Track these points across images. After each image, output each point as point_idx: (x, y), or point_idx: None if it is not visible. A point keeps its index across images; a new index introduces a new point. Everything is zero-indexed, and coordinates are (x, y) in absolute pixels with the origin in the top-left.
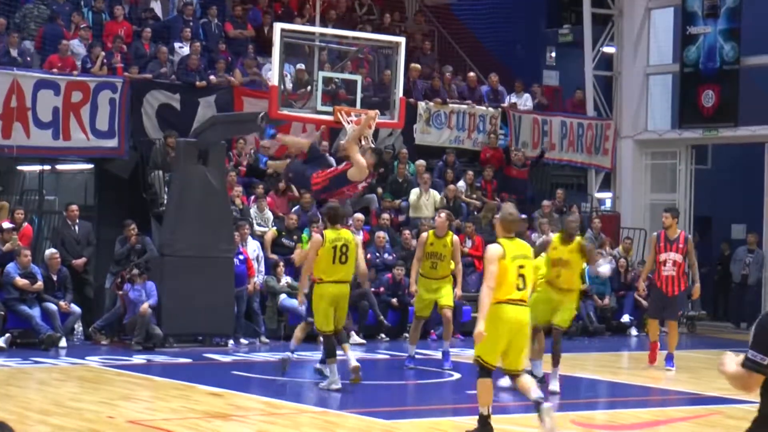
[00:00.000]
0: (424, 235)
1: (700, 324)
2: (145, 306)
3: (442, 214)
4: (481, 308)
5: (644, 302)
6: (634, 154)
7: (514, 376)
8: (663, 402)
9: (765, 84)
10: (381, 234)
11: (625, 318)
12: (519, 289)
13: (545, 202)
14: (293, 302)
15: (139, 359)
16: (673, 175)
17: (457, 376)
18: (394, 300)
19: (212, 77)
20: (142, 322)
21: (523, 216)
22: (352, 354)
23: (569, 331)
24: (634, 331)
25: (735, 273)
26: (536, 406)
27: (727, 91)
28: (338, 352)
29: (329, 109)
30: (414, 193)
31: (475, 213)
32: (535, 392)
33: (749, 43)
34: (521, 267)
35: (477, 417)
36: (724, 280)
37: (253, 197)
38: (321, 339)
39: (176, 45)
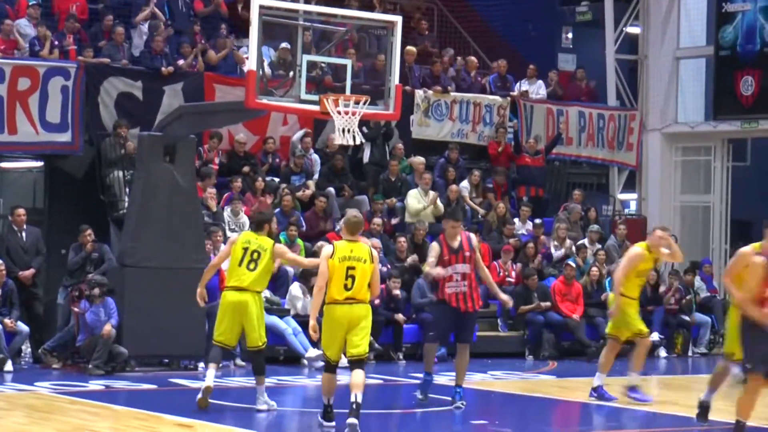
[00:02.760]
0: (638, 251)
1: None
2: (107, 328)
3: (659, 231)
4: (311, 306)
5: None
6: (663, 149)
7: (354, 363)
8: None
9: None
10: (375, 242)
11: (654, 336)
12: (347, 289)
13: (575, 207)
14: (272, 319)
15: (96, 385)
16: (708, 173)
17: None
18: (399, 316)
19: (179, 62)
20: (104, 344)
21: (537, 221)
22: (211, 374)
23: (588, 352)
24: (663, 352)
25: None
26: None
27: None
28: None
29: (314, 98)
30: (412, 195)
31: (480, 217)
32: (356, 393)
33: None
34: (351, 269)
35: None
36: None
37: (226, 199)
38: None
39: (138, 25)
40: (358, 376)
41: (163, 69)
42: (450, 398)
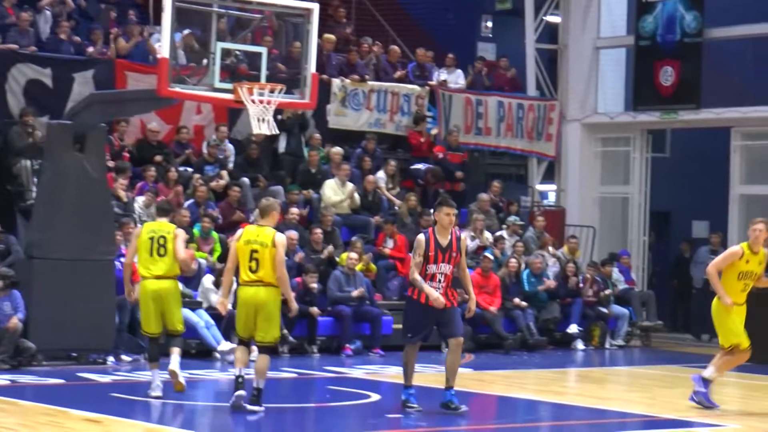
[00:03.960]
0: (734, 249)
1: (656, 336)
2: (14, 321)
3: (760, 225)
4: (222, 286)
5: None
6: (582, 140)
7: (260, 348)
8: (614, 426)
9: (730, 59)
10: (292, 234)
11: (572, 328)
12: (252, 272)
13: (483, 196)
14: (185, 313)
15: (2, 380)
16: (627, 164)
17: (376, 397)
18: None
19: (90, 49)
20: (10, 338)
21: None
22: (176, 359)
23: (505, 345)
24: (580, 344)
25: (696, 278)
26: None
27: (689, 68)
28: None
29: (229, 86)
30: (329, 186)
31: (396, 209)
32: (259, 381)
33: (714, 13)
34: (254, 252)
35: None
36: (684, 285)
37: (138, 189)
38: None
39: (46, 9)
40: (262, 362)
41: (72, 56)
42: (444, 404)
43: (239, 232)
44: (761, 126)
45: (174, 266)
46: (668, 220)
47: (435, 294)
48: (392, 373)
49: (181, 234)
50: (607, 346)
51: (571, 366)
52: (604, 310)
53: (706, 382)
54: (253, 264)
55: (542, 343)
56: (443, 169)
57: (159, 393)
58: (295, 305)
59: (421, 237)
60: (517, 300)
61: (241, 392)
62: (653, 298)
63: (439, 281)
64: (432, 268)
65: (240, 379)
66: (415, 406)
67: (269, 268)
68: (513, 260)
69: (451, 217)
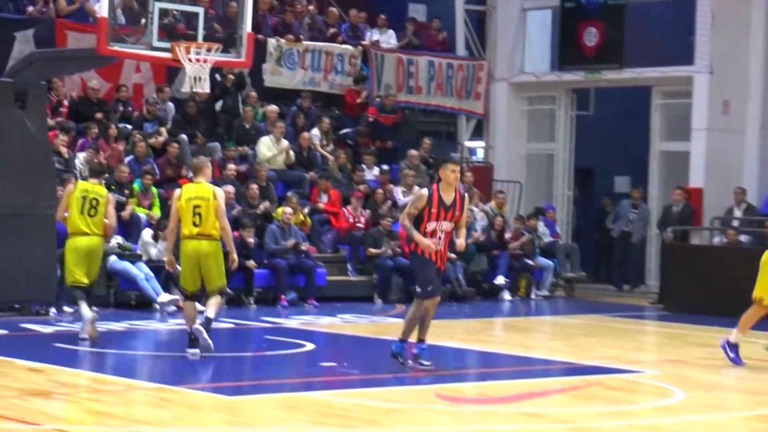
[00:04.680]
0: None
1: (579, 286)
2: None
3: None
4: (165, 246)
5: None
6: (509, 98)
7: (208, 296)
8: (538, 372)
9: (652, 21)
10: (229, 188)
11: (500, 280)
12: (195, 225)
13: (412, 152)
14: (124, 265)
15: None
16: (552, 122)
17: (310, 346)
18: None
19: (29, 8)
20: None
21: (384, 167)
22: (85, 307)
23: None
24: (507, 295)
25: (617, 230)
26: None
27: (612, 29)
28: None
29: (166, 45)
30: (263, 142)
31: (330, 165)
32: (210, 309)
33: None
34: (197, 207)
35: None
36: (606, 238)
37: (80, 146)
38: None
39: None
40: (213, 300)
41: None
42: (411, 356)
43: (178, 191)
44: (680, 85)
45: (101, 227)
46: (591, 175)
47: (426, 241)
48: (326, 323)
49: (112, 199)
50: (532, 296)
51: (498, 316)
52: (530, 261)
53: (732, 346)
54: (197, 218)
55: (470, 294)
56: (375, 129)
57: (86, 336)
58: (235, 256)
59: (423, 191)
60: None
61: (196, 350)
62: (577, 251)
63: (439, 238)
64: (432, 225)
65: (193, 336)
66: (408, 361)
67: (211, 221)
68: None
69: (456, 173)
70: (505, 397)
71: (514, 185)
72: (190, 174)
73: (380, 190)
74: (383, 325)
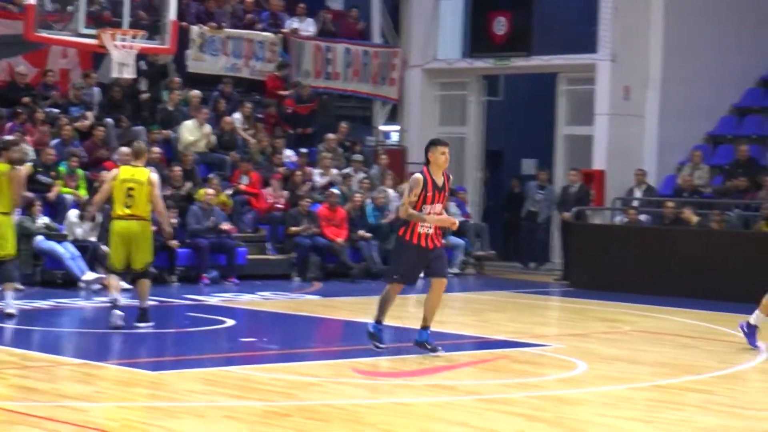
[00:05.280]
0: None
1: (488, 264)
2: None
3: None
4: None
5: None
6: (423, 84)
7: (138, 274)
8: (449, 347)
9: (558, 11)
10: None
11: None
12: (127, 207)
13: (330, 136)
14: (51, 244)
15: None
16: (463, 107)
17: (231, 322)
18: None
19: None
20: None
21: (303, 150)
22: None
23: (351, 274)
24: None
25: (525, 210)
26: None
27: (520, 19)
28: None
29: (93, 32)
30: (186, 126)
31: (250, 148)
32: (143, 302)
33: None
34: (130, 189)
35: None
36: (514, 218)
37: (8, 130)
38: None
39: None
40: (143, 286)
41: None
42: (420, 343)
43: (114, 171)
44: (584, 72)
45: (6, 202)
46: (500, 158)
47: (438, 218)
48: (246, 300)
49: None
50: None
51: (411, 292)
52: (442, 240)
53: (751, 328)
54: (129, 200)
55: (385, 272)
56: (294, 119)
57: (12, 311)
58: (171, 232)
59: (419, 176)
60: (362, 232)
61: (118, 312)
62: (486, 230)
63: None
64: (427, 209)
65: (115, 301)
66: (382, 346)
67: (142, 204)
68: (358, 195)
69: (446, 155)
70: (419, 371)
71: None
72: (115, 156)
73: (299, 172)
74: (301, 302)
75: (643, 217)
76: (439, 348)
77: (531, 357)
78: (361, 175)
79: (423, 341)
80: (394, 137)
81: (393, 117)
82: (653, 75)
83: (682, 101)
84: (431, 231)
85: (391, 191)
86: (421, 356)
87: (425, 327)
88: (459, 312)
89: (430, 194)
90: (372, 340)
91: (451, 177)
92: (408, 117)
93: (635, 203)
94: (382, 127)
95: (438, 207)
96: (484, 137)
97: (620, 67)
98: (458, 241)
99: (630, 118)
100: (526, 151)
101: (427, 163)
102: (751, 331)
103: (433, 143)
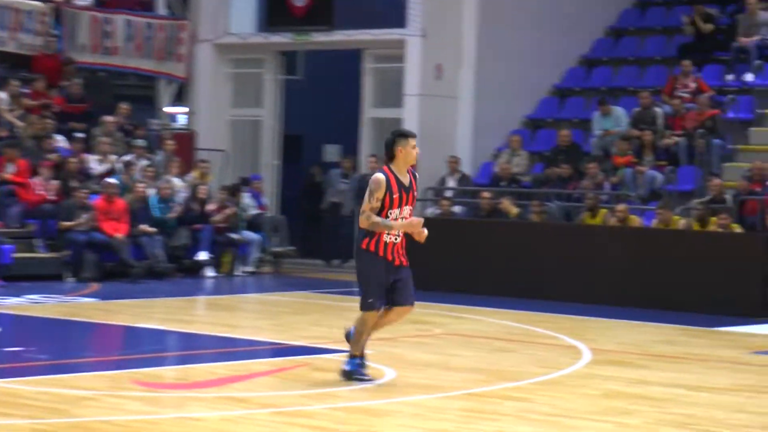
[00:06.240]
0: None
1: (287, 262)
2: None
3: None
4: None
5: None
6: (214, 61)
7: None
8: (243, 354)
9: None
10: None
11: (202, 255)
12: None
13: (108, 118)
14: None
15: None
16: (259, 86)
17: None
18: None
19: None
20: None
21: (78, 135)
22: None
23: (132, 273)
24: (210, 272)
25: (327, 202)
26: None
27: None
28: None
29: None
30: None
31: (18, 132)
32: None
33: None
34: None
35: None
36: (314, 210)
37: None
38: None
39: None
40: None
41: None
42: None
43: None
44: (392, 48)
45: None
46: (300, 143)
47: (405, 223)
48: (12, 304)
49: None
50: (238, 273)
51: (200, 294)
52: (235, 236)
53: None
54: None
55: (171, 270)
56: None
57: None
58: None
59: (380, 177)
60: (144, 226)
61: None
62: (285, 224)
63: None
64: (395, 213)
65: None
66: (368, 377)
67: None
68: (140, 185)
69: (417, 149)
70: (208, 382)
71: (218, 154)
72: None
73: (73, 160)
74: (75, 306)
75: (457, 209)
76: (367, 377)
77: (334, 365)
78: (144, 162)
79: (352, 370)
80: (182, 120)
81: (180, 97)
82: (467, 52)
83: (498, 81)
84: (399, 240)
85: (177, 180)
86: (211, 365)
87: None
88: (255, 315)
89: (396, 196)
90: (352, 377)
91: (417, 174)
92: (197, 97)
93: (448, 193)
94: (168, 109)
95: (407, 210)
96: (282, 120)
97: (431, 43)
98: (253, 236)
99: (442, 100)
100: (328, 136)
101: (389, 160)
102: None
103: (403, 135)
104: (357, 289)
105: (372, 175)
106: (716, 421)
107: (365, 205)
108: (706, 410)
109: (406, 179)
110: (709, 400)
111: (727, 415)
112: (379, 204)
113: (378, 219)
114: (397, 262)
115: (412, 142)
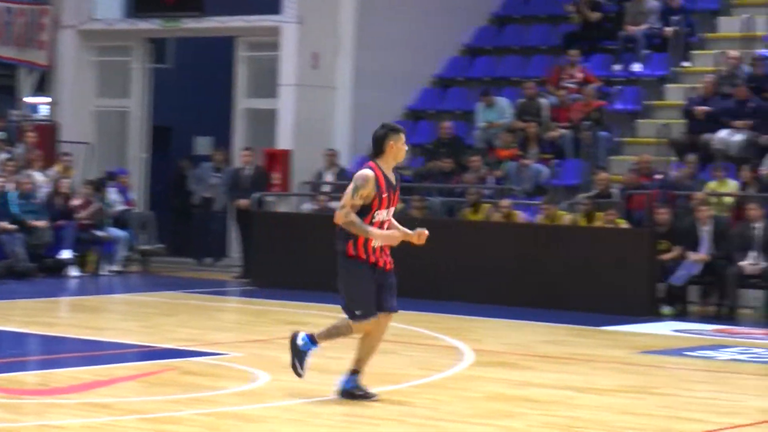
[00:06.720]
0: None
1: (156, 260)
2: None
3: None
4: None
5: None
6: (78, 48)
7: None
8: (108, 358)
9: None
10: None
11: (65, 254)
12: None
13: None
14: None
15: None
16: (126, 75)
17: None
18: None
19: None
20: None
21: None
22: None
23: None
24: (74, 271)
25: (197, 197)
26: None
27: None
28: None
29: None
30: None
31: None
32: None
33: None
34: None
35: None
36: (184, 205)
37: None
38: None
39: None
40: None
41: None
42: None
43: None
44: (266, 36)
45: None
46: (169, 135)
47: (386, 233)
48: None
49: None
50: (103, 272)
51: (63, 295)
52: (100, 233)
53: None
54: None
55: (32, 270)
56: None
57: None
58: None
59: (368, 173)
60: (3, 223)
61: None
62: (153, 220)
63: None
64: (382, 215)
65: None
66: (371, 391)
67: None
68: (0, 179)
69: (405, 149)
70: (70, 387)
71: (82, 146)
72: None
73: None
74: None
75: (334, 205)
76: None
77: (204, 368)
78: (4, 156)
79: (351, 389)
80: (43, 111)
81: (42, 87)
82: (345, 40)
83: (378, 70)
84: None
85: (39, 175)
86: (74, 369)
87: (355, 372)
88: (121, 317)
89: (385, 195)
90: (354, 395)
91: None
92: (60, 87)
93: (325, 188)
94: (29, 99)
95: (391, 211)
96: (150, 111)
97: (308, 30)
98: (120, 233)
99: (319, 90)
100: (199, 127)
101: (377, 155)
102: None
103: (395, 130)
104: (224, 287)
105: (244, 168)
106: (602, 423)
107: (346, 200)
108: (593, 412)
109: (392, 177)
110: (595, 401)
111: (613, 417)
112: (361, 202)
113: (357, 220)
114: (387, 267)
115: (403, 137)
